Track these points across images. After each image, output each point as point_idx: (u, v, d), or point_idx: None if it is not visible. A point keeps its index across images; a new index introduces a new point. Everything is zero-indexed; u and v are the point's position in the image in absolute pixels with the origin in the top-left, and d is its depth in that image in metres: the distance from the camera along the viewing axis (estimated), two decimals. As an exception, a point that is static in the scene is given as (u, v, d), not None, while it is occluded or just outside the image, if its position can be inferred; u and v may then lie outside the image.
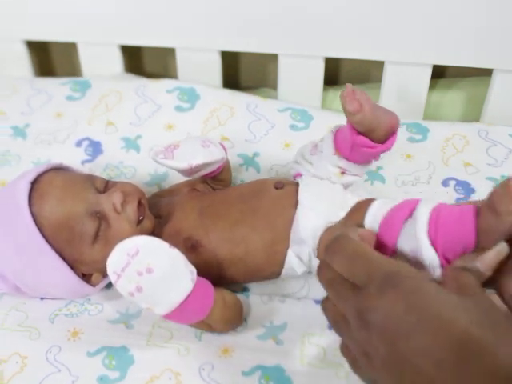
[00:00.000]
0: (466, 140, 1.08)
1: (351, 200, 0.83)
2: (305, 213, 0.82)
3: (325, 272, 0.64)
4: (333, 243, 0.65)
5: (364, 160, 0.85)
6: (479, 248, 0.62)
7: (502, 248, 0.61)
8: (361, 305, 0.58)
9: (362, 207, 0.76)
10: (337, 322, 0.64)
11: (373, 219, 0.71)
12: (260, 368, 0.77)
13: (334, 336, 0.78)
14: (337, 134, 0.85)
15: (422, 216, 0.66)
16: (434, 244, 0.64)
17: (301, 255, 0.82)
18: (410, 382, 0.53)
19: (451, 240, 0.63)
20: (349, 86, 0.77)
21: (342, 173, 0.87)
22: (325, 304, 0.67)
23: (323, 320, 0.81)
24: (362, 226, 0.73)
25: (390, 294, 0.56)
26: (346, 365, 0.75)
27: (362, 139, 0.79)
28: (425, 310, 0.54)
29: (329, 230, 0.80)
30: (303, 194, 0.85)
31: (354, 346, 0.61)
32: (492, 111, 1.14)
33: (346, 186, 0.88)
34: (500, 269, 0.61)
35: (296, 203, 0.84)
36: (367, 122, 0.77)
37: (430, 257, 0.64)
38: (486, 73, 1.13)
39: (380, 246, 0.68)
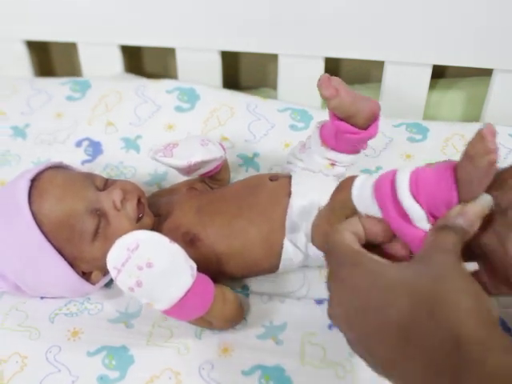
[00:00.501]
0: (466, 140, 1.07)
1: None
2: (298, 200, 0.83)
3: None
4: (328, 247, 0.66)
5: (351, 148, 0.85)
6: (463, 203, 0.61)
7: (484, 200, 0.60)
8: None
9: (344, 187, 0.75)
10: None
11: (359, 196, 0.69)
12: (260, 368, 0.77)
13: (334, 336, 0.79)
14: (322, 127, 0.86)
15: (403, 183, 0.63)
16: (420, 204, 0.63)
17: (297, 243, 0.83)
18: (385, 355, 0.56)
19: (434, 198, 0.62)
20: (325, 74, 0.78)
21: (332, 164, 0.87)
22: None
23: (323, 320, 0.81)
24: (348, 206, 0.72)
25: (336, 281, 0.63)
26: (346, 364, 0.76)
27: (344, 125, 0.80)
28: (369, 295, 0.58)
29: (318, 216, 0.80)
30: (296, 185, 0.86)
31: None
32: (492, 111, 1.14)
33: (338, 178, 0.88)
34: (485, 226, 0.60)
35: (290, 193, 0.85)
36: (345, 107, 0.78)
37: (418, 215, 0.62)
38: (486, 73, 1.13)
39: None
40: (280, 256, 0.84)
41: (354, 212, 0.70)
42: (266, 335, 0.81)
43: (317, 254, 0.82)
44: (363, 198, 0.67)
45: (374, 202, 0.65)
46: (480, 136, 0.58)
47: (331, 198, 0.78)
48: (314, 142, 0.87)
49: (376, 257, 0.61)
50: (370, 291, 0.58)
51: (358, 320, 0.58)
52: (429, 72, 1.14)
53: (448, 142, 1.07)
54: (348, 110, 0.78)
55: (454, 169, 0.61)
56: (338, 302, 0.62)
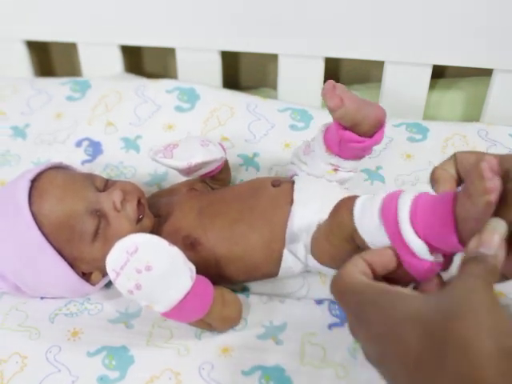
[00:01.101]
0: (466, 140, 1.08)
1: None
2: (299, 210, 0.83)
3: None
4: (335, 284, 0.65)
5: (355, 155, 0.85)
6: (478, 234, 0.58)
7: (496, 224, 0.57)
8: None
9: (340, 209, 0.75)
10: None
11: (360, 220, 0.70)
12: (260, 368, 0.76)
13: (334, 336, 0.79)
14: (326, 131, 0.85)
15: (404, 219, 0.63)
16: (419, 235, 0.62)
17: (297, 253, 0.83)
18: None
19: (433, 233, 0.61)
20: (329, 82, 0.77)
21: (335, 170, 0.87)
22: None
23: (323, 320, 0.82)
24: (345, 228, 0.72)
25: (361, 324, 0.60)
26: (346, 364, 0.76)
27: (348, 134, 0.80)
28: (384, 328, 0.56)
29: (318, 231, 0.79)
30: (298, 192, 0.85)
31: None
32: (492, 111, 1.14)
33: (341, 183, 0.89)
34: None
35: (292, 201, 0.84)
36: (350, 117, 0.77)
37: (421, 250, 0.62)
38: (486, 73, 1.13)
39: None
40: (280, 264, 0.84)
41: (351, 233, 0.71)
42: (265, 335, 0.81)
43: (316, 266, 0.82)
44: (368, 224, 0.67)
45: (383, 229, 0.64)
46: (478, 173, 0.55)
47: (329, 219, 0.77)
48: (318, 147, 0.87)
49: (395, 288, 0.60)
50: (387, 325, 0.56)
51: (386, 356, 0.56)
52: (429, 72, 1.14)
53: (448, 141, 1.07)
54: (353, 119, 0.78)
55: (454, 201, 0.59)
56: (371, 342, 0.59)
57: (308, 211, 0.82)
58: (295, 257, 0.83)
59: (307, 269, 0.85)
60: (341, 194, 0.84)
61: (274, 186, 0.88)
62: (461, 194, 0.58)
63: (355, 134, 0.80)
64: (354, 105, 0.77)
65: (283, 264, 0.84)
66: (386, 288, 0.60)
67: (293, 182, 0.88)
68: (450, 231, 0.59)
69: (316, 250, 0.80)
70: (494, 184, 0.55)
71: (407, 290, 0.61)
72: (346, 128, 0.80)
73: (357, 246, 0.73)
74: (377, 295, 0.59)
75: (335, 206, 0.76)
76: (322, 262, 0.81)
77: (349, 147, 0.82)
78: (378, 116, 0.79)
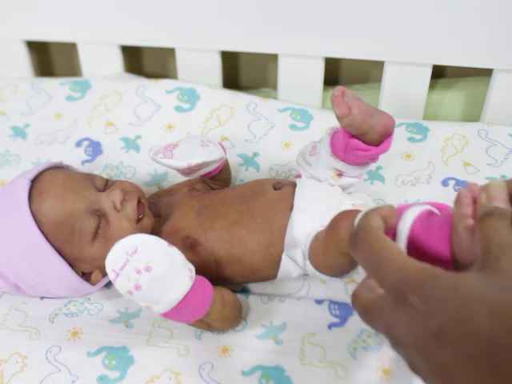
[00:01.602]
0: (466, 140, 1.08)
1: (348, 203, 0.83)
2: (299, 216, 0.83)
3: (355, 304, 0.60)
4: (354, 236, 0.61)
5: (360, 162, 0.84)
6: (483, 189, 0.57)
7: (493, 182, 0.57)
8: (385, 322, 0.54)
9: (336, 225, 0.75)
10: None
11: None
12: (260, 368, 0.77)
13: (334, 336, 0.80)
14: (333, 135, 0.85)
15: (402, 239, 0.63)
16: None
17: (295, 258, 0.82)
18: None
19: (427, 253, 0.61)
20: (339, 88, 0.77)
21: (339, 175, 0.87)
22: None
23: (323, 320, 0.82)
24: (341, 244, 0.72)
25: (404, 307, 0.52)
26: (346, 364, 0.76)
27: (355, 142, 0.79)
28: (446, 314, 0.50)
29: (316, 240, 0.79)
30: (299, 197, 0.85)
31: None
32: (492, 111, 1.14)
33: (344, 188, 0.88)
34: None
35: (292, 205, 0.84)
36: (357, 125, 0.77)
37: None
38: (486, 73, 1.13)
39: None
40: (278, 267, 0.84)
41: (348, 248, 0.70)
42: (265, 335, 0.81)
43: (314, 272, 0.82)
44: None
45: None
46: (457, 198, 0.57)
47: (326, 232, 0.77)
48: (324, 150, 0.86)
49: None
50: (449, 308, 0.51)
51: (437, 344, 0.51)
52: (429, 72, 1.13)
53: (448, 141, 1.07)
54: (360, 129, 0.77)
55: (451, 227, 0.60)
56: (407, 331, 0.53)
57: (308, 217, 0.82)
58: (294, 262, 0.83)
59: (306, 273, 0.85)
60: (342, 200, 0.84)
61: (275, 188, 0.88)
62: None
63: (362, 142, 0.79)
64: (362, 114, 0.76)
65: (281, 268, 0.84)
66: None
67: (294, 186, 0.88)
68: (446, 254, 0.60)
69: (313, 259, 0.80)
70: (470, 210, 0.56)
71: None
72: (353, 135, 0.79)
73: (353, 259, 0.73)
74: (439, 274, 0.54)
75: (333, 220, 0.76)
76: (318, 270, 0.81)
77: (354, 154, 0.82)
78: (386, 126, 0.79)
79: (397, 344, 0.54)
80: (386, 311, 0.54)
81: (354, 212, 0.74)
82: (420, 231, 0.62)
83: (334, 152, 0.84)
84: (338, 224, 0.74)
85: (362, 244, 0.59)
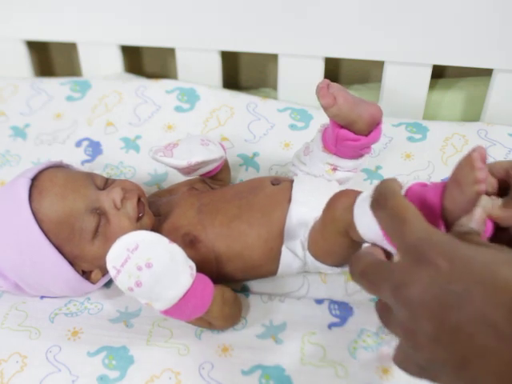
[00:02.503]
0: (466, 140, 1.08)
1: None
2: (297, 208, 0.83)
3: (355, 265, 0.60)
4: (379, 195, 0.60)
5: (353, 154, 0.85)
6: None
7: (485, 203, 0.59)
8: (396, 281, 0.53)
9: (332, 204, 0.75)
10: (381, 315, 0.59)
11: (360, 216, 0.69)
12: (260, 367, 0.77)
13: (334, 335, 0.80)
14: (324, 131, 0.86)
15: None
16: None
17: (295, 250, 0.83)
18: (462, 354, 0.49)
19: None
20: (324, 80, 0.78)
21: (334, 169, 0.88)
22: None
23: (323, 319, 0.82)
24: (338, 223, 0.73)
25: (425, 266, 0.52)
26: (346, 364, 0.76)
27: (344, 132, 0.80)
28: (470, 274, 0.50)
29: (313, 228, 0.80)
30: (297, 190, 0.86)
31: (398, 331, 0.55)
32: (492, 111, 1.14)
33: (341, 183, 0.89)
34: None
35: (290, 198, 0.85)
36: (344, 115, 0.78)
37: None
38: (486, 73, 1.13)
39: None
40: (278, 261, 0.84)
41: (346, 227, 0.72)
42: (265, 335, 0.81)
43: (314, 263, 0.82)
44: (368, 221, 0.65)
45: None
46: (469, 162, 0.56)
47: (322, 213, 0.78)
48: (316, 147, 0.87)
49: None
50: (475, 270, 0.50)
51: (455, 304, 0.50)
52: (429, 72, 1.14)
53: (447, 141, 1.07)
54: (347, 118, 0.79)
55: (443, 190, 0.60)
56: (422, 290, 0.52)
57: (306, 208, 0.83)
58: (294, 254, 0.83)
59: (306, 268, 0.85)
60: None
61: (273, 184, 0.89)
62: (449, 182, 0.59)
63: (351, 132, 0.80)
64: (348, 103, 0.77)
65: (282, 261, 0.84)
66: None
67: (292, 181, 0.88)
68: (437, 220, 0.60)
69: (311, 245, 0.81)
70: (484, 174, 0.56)
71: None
72: (341, 126, 0.81)
73: (351, 239, 0.73)
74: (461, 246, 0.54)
75: (329, 201, 0.77)
76: (317, 258, 0.81)
77: (345, 145, 0.83)
78: (373, 114, 0.80)
79: (403, 304, 0.53)
80: (399, 271, 0.54)
81: (351, 191, 0.75)
82: (416, 189, 0.63)
83: (326, 147, 0.86)
84: (335, 203, 0.75)
85: (389, 202, 0.58)
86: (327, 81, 0.79)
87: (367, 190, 0.69)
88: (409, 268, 0.53)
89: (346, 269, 0.81)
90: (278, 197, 0.86)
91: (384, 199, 0.59)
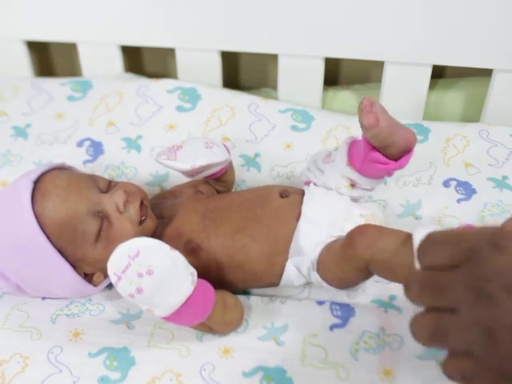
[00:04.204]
0: (467, 140, 1.08)
1: (356, 213, 0.83)
2: (307, 226, 0.83)
3: (413, 283, 0.57)
4: (423, 245, 0.59)
5: (376, 175, 0.84)
6: None
7: None
8: (474, 275, 0.50)
9: (355, 242, 0.75)
10: (437, 329, 0.54)
11: None
12: (261, 369, 0.76)
13: (335, 337, 0.79)
14: (352, 145, 0.84)
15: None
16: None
17: (300, 267, 0.83)
18: None
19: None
20: (367, 98, 0.76)
21: (352, 185, 0.86)
22: (415, 323, 0.57)
23: (324, 321, 0.82)
24: (358, 262, 0.75)
25: (508, 248, 0.50)
26: (347, 365, 0.76)
27: (376, 155, 0.79)
28: None
29: (328, 251, 0.80)
30: (307, 206, 0.85)
31: (468, 336, 0.51)
32: (492, 111, 1.14)
33: (354, 200, 0.88)
34: None
35: (299, 214, 0.84)
36: (382, 138, 0.77)
37: None
38: (486, 73, 1.13)
39: None
40: (281, 276, 0.84)
41: (365, 264, 0.74)
42: (267, 336, 0.81)
43: (319, 282, 0.82)
44: None
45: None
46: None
47: (343, 248, 0.77)
48: (340, 158, 0.85)
49: None
50: None
51: None
52: (429, 72, 1.14)
53: (449, 142, 1.07)
54: (383, 142, 0.77)
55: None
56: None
57: (316, 226, 0.82)
58: (298, 271, 0.83)
59: (308, 282, 0.85)
60: (351, 209, 0.84)
61: (281, 196, 0.88)
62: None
63: (382, 156, 0.79)
64: (389, 127, 0.76)
65: (285, 277, 0.84)
66: None
67: (301, 194, 0.88)
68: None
69: (322, 269, 0.81)
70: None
71: None
72: (373, 147, 0.79)
73: (368, 272, 0.74)
74: None
75: (349, 237, 0.76)
76: (325, 280, 0.81)
77: (372, 167, 0.81)
78: (409, 141, 0.79)
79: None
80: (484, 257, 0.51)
81: (372, 228, 0.75)
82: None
83: (351, 162, 0.84)
84: (355, 241, 0.75)
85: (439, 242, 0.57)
86: (371, 98, 0.76)
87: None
88: (489, 257, 0.51)
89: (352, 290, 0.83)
90: (286, 212, 0.85)
91: (429, 241, 0.57)
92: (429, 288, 0.55)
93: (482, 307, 0.50)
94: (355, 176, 0.85)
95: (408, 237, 0.70)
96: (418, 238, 0.64)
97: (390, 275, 0.73)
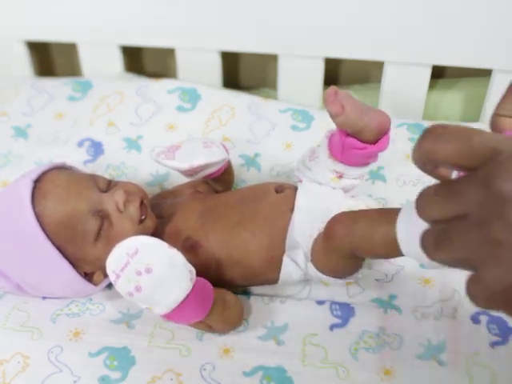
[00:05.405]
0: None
1: (348, 203, 0.83)
2: (300, 217, 0.83)
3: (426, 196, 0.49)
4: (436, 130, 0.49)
5: (359, 162, 0.84)
6: None
7: None
8: (490, 175, 0.43)
9: (334, 232, 0.74)
10: (443, 233, 0.47)
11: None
12: (261, 368, 0.77)
13: (335, 336, 0.80)
14: (331, 137, 0.85)
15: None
16: None
17: (296, 259, 0.83)
18: None
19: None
20: (332, 87, 0.77)
21: (339, 177, 0.86)
22: (425, 233, 0.49)
23: (324, 320, 0.82)
24: (343, 251, 0.75)
25: None
26: (347, 365, 0.76)
27: (351, 140, 0.79)
28: None
29: (317, 242, 0.80)
30: (300, 198, 0.85)
31: (475, 242, 0.45)
32: (491, 111, 1.14)
33: (346, 191, 0.88)
34: None
35: (293, 207, 0.84)
36: (351, 124, 0.77)
37: None
38: (486, 73, 1.13)
39: None
40: (279, 271, 0.84)
41: (349, 251, 0.73)
42: (267, 336, 0.81)
43: (316, 274, 0.82)
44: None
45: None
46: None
47: (324, 240, 0.77)
48: (322, 152, 0.86)
49: None
50: None
51: None
52: (428, 72, 1.14)
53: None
54: (354, 126, 0.77)
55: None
56: None
57: (309, 218, 0.82)
58: (295, 263, 0.83)
59: (307, 277, 0.85)
60: (343, 201, 0.84)
61: (277, 191, 0.88)
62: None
63: (358, 141, 0.79)
64: (356, 112, 0.76)
65: (283, 270, 0.84)
66: None
67: (296, 189, 0.88)
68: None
69: (315, 261, 0.81)
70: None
71: None
72: (348, 134, 0.79)
73: (356, 257, 0.75)
74: None
75: (326, 229, 0.76)
76: (320, 271, 0.81)
77: (352, 154, 0.81)
78: (381, 123, 0.79)
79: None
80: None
81: (343, 215, 0.74)
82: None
83: (332, 154, 0.84)
84: (332, 232, 0.75)
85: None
86: (335, 88, 0.77)
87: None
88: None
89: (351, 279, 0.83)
90: (281, 205, 0.86)
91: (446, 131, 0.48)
92: (442, 193, 0.48)
93: (494, 205, 0.44)
94: (340, 167, 0.84)
95: (383, 212, 0.70)
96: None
97: (377, 256, 0.74)
